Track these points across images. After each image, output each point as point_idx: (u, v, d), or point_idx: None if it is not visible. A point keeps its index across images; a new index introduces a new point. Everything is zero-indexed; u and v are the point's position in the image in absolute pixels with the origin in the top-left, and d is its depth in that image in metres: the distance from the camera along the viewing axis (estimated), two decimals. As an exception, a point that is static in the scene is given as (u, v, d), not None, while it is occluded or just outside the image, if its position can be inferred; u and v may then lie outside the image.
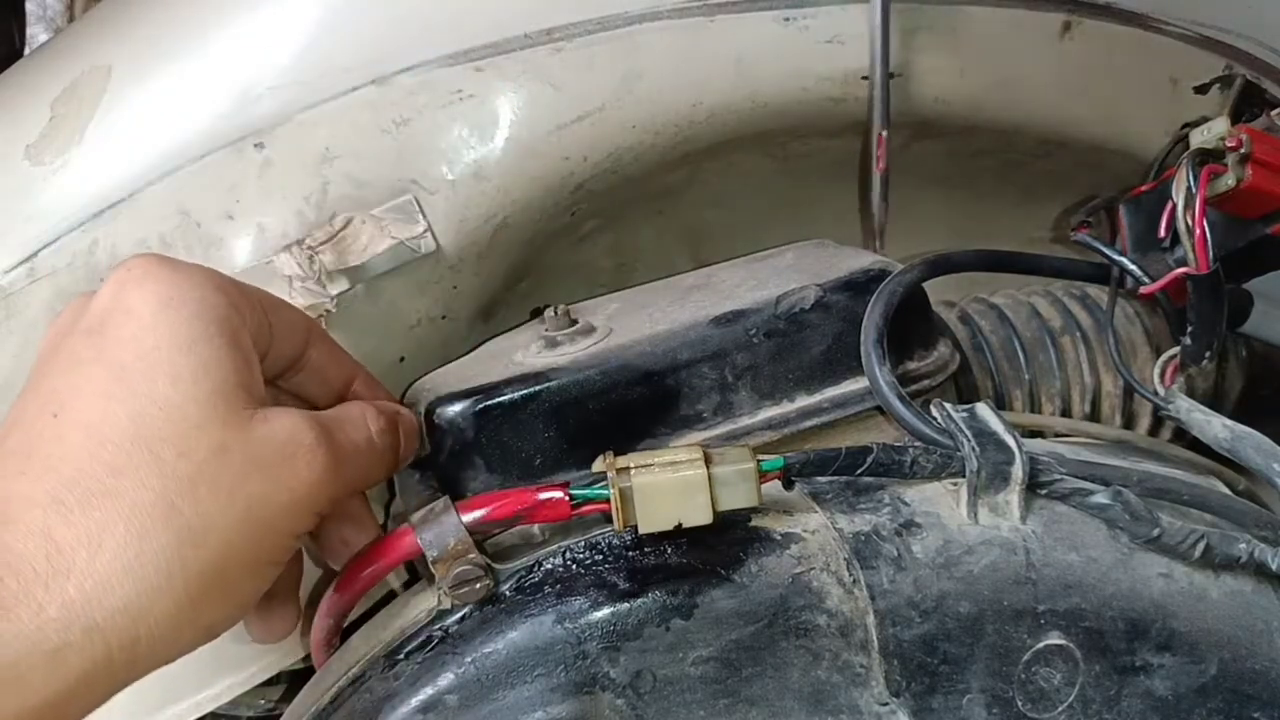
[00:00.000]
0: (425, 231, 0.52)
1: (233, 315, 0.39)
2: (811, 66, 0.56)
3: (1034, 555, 0.43)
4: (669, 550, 0.42)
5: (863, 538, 0.43)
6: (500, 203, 0.53)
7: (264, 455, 0.38)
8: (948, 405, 0.46)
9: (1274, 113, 0.57)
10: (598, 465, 0.46)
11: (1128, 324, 0.63)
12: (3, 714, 0.32)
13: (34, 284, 0.52)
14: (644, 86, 0.53)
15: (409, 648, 0.42)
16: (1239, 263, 0.57)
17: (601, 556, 0.43)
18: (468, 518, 0.42)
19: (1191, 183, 0.52)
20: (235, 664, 0.56)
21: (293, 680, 0.62)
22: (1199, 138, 0.53)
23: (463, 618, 0.42)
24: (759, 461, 0.41)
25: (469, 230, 0.53)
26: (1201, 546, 0.43)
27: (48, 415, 0.37)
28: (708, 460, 0.41)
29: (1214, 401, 0.64)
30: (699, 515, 0.40)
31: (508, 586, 0.42)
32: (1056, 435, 0.56)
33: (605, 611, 0.41)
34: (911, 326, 0.51)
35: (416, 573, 0.51)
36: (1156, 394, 0.56)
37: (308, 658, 0.50)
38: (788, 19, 0.55)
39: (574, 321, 0.51)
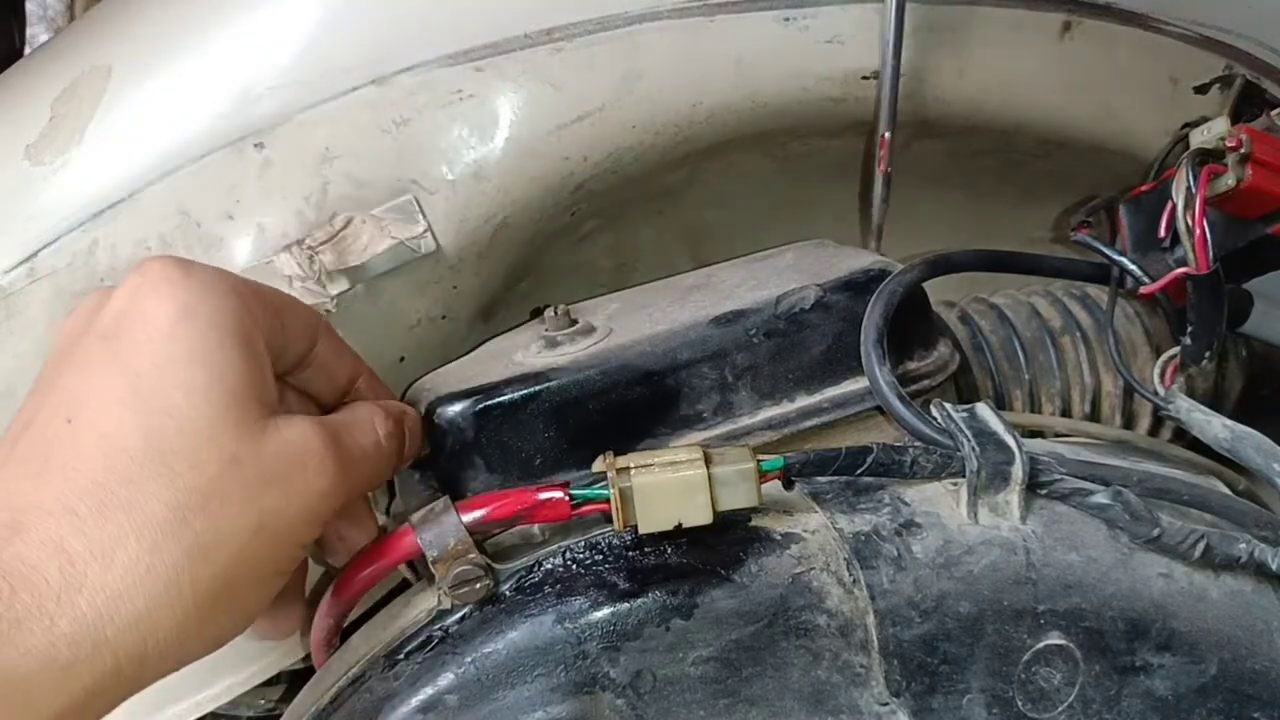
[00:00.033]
0: (425, 231, 0.52)
1: (248, 322, 0.39)
2: (811, 66, 0.56)
3: (1034, 555, 0.43)
4: (669, 550, 0.42)
5: (863, 538, 0.43)
6: (500, 203, 0.53)
7: (276, 467, 0.38)
8: (948, 405, 0.46)
9: (1274, 113, 0.57)
10: (598, 465, 0.46)
11: (1128, 324, 0.63)
12: None
13: (34, 284, 0.52)
14: (644, 86, 0.53)
15: (409, 648, 0.42)
16: (1239, 263, 0.57)
17: (601, 556, 0.43)
18: (468, 518, 0.42)
19: (1191, 183, 0.52)
20: (235, 664, 0.56)
21: (293, 680, 0.62)
22: (1199, 138, 0.53)
23: (463, 618, 0.42)
24: (759, 461, 0.41)
25: (469, 230, 0.53)
26: (1201, 546, 0.43)
27: (61, 420, 0.36)
28: (708, 460, 0.41)
29: (1214, 401, 0.64)
30: (699, 515, 0.40)
31: (508, 586, 0.43)
32: (1056, 435, 0.56)
33: (605, 611, 0.41)
34: (911, 326, 0.51)
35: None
36: (1156, 394, 0.56)
37: (308, 658, 0.50)
38: (788, 19, 0.55)
39: (574, 321, 0.51)
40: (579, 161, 0.54)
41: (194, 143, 0.51)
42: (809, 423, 0.49)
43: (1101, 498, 0.43)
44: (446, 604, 0.43)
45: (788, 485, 0.45)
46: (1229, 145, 0.51)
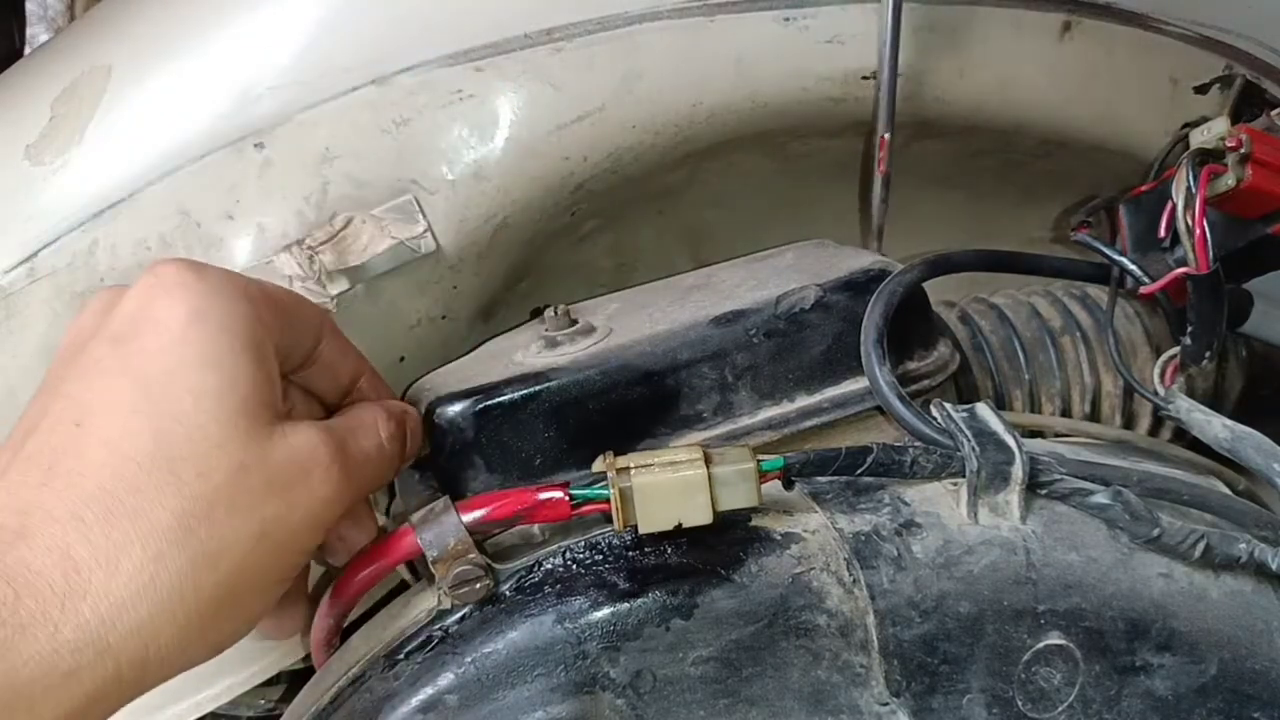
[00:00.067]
0: (425, 231, 0.52)
1: (258, 327, 0.39)
2: (811, 66, 0.56)
3: (1034, 555, 0.43)
4: (669, 550, 0.42)
5: (863, 538, 0.43)
6: (500, 203, 0.53)
7: (282, 475, 0.38)
8: (948, 405, 0.46)
9: (1274, 113, 0.57)
10: (598, 465, 0.46)
11: (1128, 324, 0.63)
12: None
13: (34, 284, 0.52)
14: (644, 86, 0.53)
15: (409, 648, 0.42)
16: (1239, 263, 0.57)
17: (601, 556, 0.43)
18: (468, 518, 0.42)
19: (1191, 183, 0.52)
20: (236, 664, 0.56)
21: (293, 680, 0.62)
22: (1199, 138, 0.53)
23: (463, 618, 0.42)
24: (759, 461, 0.41)
25: (469, 230, 0.53)
26: (1201, 546, 0.43)
27: (69, 424, 0.36)
28: (708, 460, 0.41)
29: (1214, 401, 0.64)
30: (699, 515, 0.40)
31: (508, 586, 0.43)
32: (1056, 435, 0.56)
33: (605, 611, 0.41)
34: (911, 326, 0.51)
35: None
36: (1156, 394, 0.56)
37: (308, 658, 0.50)
38: (788, 19, 0.55)
39: (574, 321, 0.51)
40: (579, 161, 0.54)
41: (194, 143, 0.51)
42: (809, 423, 0.49)
43: (1101, 498, 0.43)
44: (446, 604, 0.43)
45: (788, 485, 0.45)
46: (1229, 145, 0.51)
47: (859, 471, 0.43)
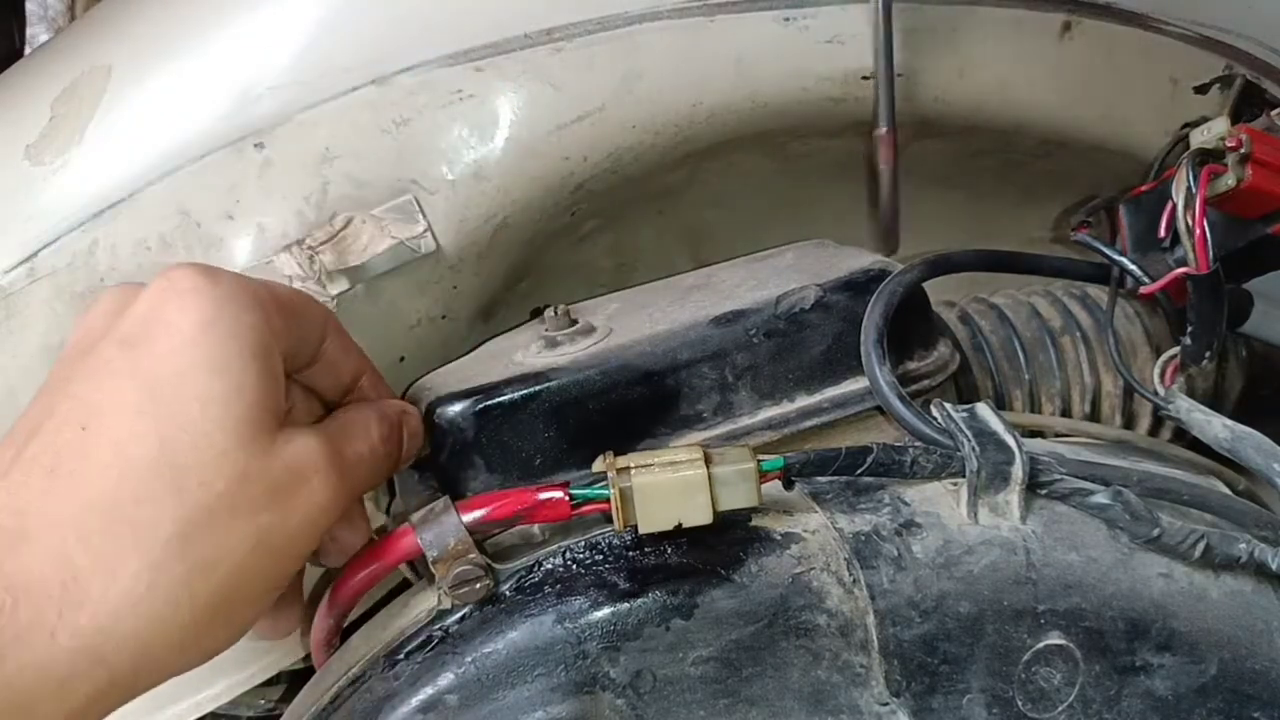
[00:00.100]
0: (425, 231, 0.52)
1: (267, 335, 0.39)
2: (811, 66, 0.56)
3: (1034, 555, 0.43)
4: (669, 550, 0.42)
5: (863, 538, 0.43)
6: (500, 203, 0.53)
7: (281, 483, 0.38)
8: (948, 405, 0.46)
9: (1274, 113, 0.56)
10: (598, 465, 0.46)
11: (1128, 324, 0.63)
12: None
13: (34, 284, 0.52)
14: (644, 86, 0.53)
15: (409, 648, 0.42)
16: (1239, 263, 0.57)
17: (601, 556, 0.43)
18: (468, 518, 0.42)
19: (1191, 183, 0.52)
20: (235, 664, 0.56)
21: (293, 680, 0.62)
22: (1199, 138, 0.53)
23: (463, 618, 0.42)
24: (759, 461, 0.41)
25: (469, 230, 0.53)
26: (1201, 546, 0.43)
27: (75, 426, 0.36)
28: (708, 460, 0.41)
29: (1214, 401, 0.64)
30: (699, 515, 0.40)
31: (508, 586, 0.43)
32: (1056, 435, 0.56)
33: (605, 611, 0.41)
34: (911, 326, 0.51)
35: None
36: (1156, 394, 0.56)
37: (308, 658, 0.50)
38: (788, 19, 0.55)
39: (574, 321, 0.51)
40: (579, 161, 0.54)
41: (194, 143, 0.51)
42: (809, 423, 0.49)
43: (1101, 498, 0.43)
44: (446, 604, 0.43)
45: (788, 485, 0.45)
46: (1229, 145, 0.51)
47: (859, 471, 0.43)
